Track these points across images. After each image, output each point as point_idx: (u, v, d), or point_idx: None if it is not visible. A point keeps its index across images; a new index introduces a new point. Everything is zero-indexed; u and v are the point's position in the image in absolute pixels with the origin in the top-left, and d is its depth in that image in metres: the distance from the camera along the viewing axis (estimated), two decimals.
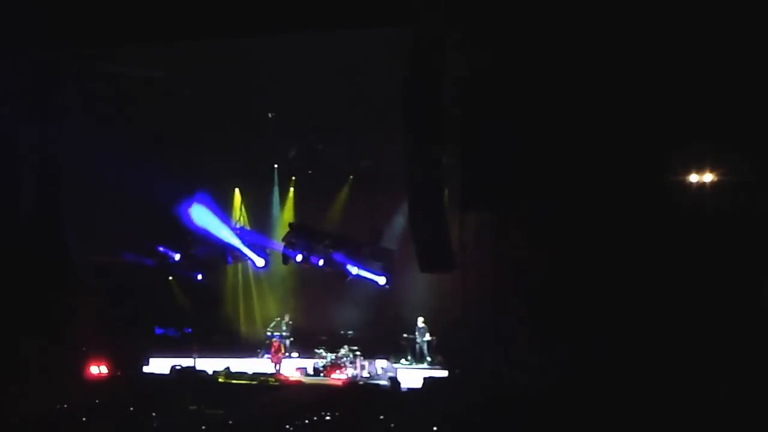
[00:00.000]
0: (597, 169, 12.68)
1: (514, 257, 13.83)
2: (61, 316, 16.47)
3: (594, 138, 12.64)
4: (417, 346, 20.25)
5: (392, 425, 12.23)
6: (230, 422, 12.83)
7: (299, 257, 21.06)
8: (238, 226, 22.69)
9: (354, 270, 20.96)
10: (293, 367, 19.73)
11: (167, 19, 14.37)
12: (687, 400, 11.40)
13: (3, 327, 15.38)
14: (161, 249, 21.66)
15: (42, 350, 15.61)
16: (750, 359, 11.63)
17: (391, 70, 14.80)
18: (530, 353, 13.06)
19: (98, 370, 17.83)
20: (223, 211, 21.95)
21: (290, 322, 21.25)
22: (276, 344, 20.09)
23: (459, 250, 14.83)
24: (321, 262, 21.03)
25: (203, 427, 12.51)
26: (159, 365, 19.27)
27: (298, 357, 20.75)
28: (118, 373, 17.93)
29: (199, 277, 22.23)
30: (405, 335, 20.37)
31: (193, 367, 18.99)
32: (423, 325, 20.20)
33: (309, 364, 19.62)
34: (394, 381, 16.59)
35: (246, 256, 22.18)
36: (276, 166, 22.77)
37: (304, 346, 20.82)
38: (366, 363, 18.94)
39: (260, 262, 22.19)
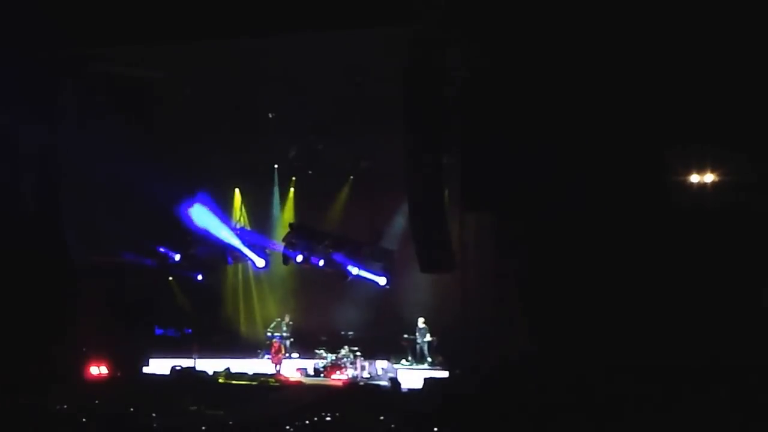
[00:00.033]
0: (597, 169, 12.69)
1: (514, 257, 13.84)
2: (61, 316, 16.46)
3: (594, 138, 12.64)
4: (417, 346, 20.22)
5: (392, 426, 12.20)
6: (230, 423, 12.79)
7: (299, 257, 21.03)
8: (238, 226, 22.65)
9: (354, 270, 20.93)
10: (293, 368, 19.72)
11: (167, 19, 14.38)
12: (687, 400, 11.38)
13: (3, 327, 15.37)
14: (161, 249, 21.62)
15: (42, 350, 15.60)
16: (750, 359, 11.62)
17: (391, 70, 14.82)
18: (530, 353, 13.06)
19: (98, 370, 17.83)
20: (224, 211, 21.90)
21: (290, 323, 21.23)
22: (276, 345, 20.07)
23: (459, 250, 14.85)
24: (321, 263, 21.00)
25: (203, 428, 12.46)
26: (159, 366, 19.25)
27: (299, 357, 20.72)
28: (118, 374, 17.93)
29: (200, 277, 22.19)
30: (405, 336, 20.34)
31: (193, 367, 18.98)
32: (423, 325, 20.18)
33: (309, 364, 19.61)
34: (394, 381, 16.57)
35: (246, 256, 22.14)
36: (276, 166, 22.73)
37: (305, 346, 20.79)
38: (366, 363, 18.92)
39: (260, 262, 22.16)
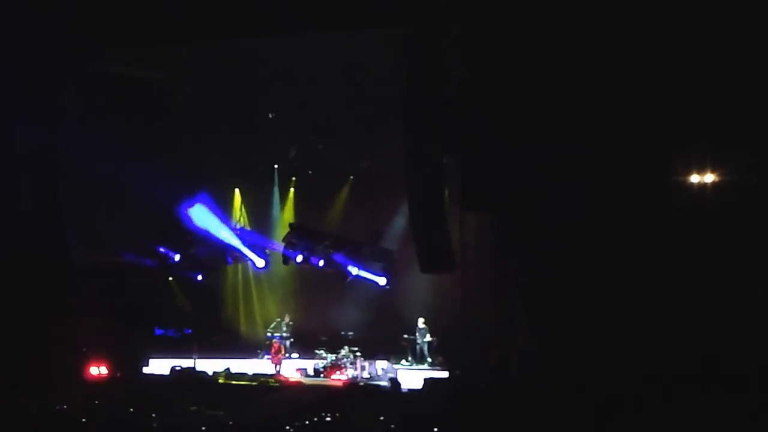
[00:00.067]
0: (598, 169, 12.67)
1: (514, 257, 13.82)
2: (61, 316, 16.45)
3: (595, 138, 12.63)
4: (417, 346, 20.22)
5: (392, 426, 12.20)
6: (230, 423, 12.79)
7: (299, 258, 21.03)
8: (238, 226, 22.66)
9: (354, 270, 20.93)
10: (293, 368, 19.72)
11: (167, 19, 14.37)
12: (688, 400, 11.38)
13: (3, 327, 15.36)
14: (161, 249, 21.63)
15: (42, 351, 15.59)
16: (750, 359, 11.61)
17: (391, 70, 14.82)
18: (531, 353, 13.05)
19: (98, 370, 17.83)
20: (223, 211, 21.91)
21: (290, 323, 21.23)
22: (276, 345, 20.07)
23: (459, 250, 14.83)
24: (321, 263, 21.00)
25: (203, 428, 12.46)
26: (159, 366, 19.26)
27: (299, 358, 20.72)
28: (118, 374, 17.93)
29: (199, 277, 22.20)
30: (405, 336, 20.34)
31: (193, 367, 18.99)
32: (423, 325, 20.18)
33: (309, 364, 19.61)
34: (394, 382, 16.57)
35: (246, 256, 22.14)
36: (276, 166, 22.73)
37: (305, 346, 20.79)
38: (366, 364, 18.92)
39: (260, 262, 22.16)
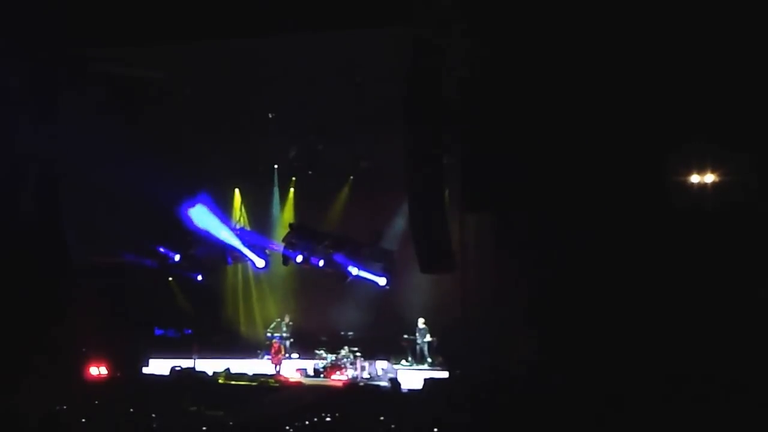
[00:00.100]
0: (598, 169, 12.66)
1: (514, 258, 13.81)
2: (61, 316, 16.44)
3: (595, 138, 12.62)
4: (417, 347, 20.21)
5: (392, 426, 12.19)
6: (230, 423, 12.79)
7: (299, 258, 21.02)
8: (238, 226, 22.64)
9: (354, 271, 20.92)
10: (293, 368, 19.70)
11: (167, 19, 14.37)
12: (688, 400, 11.37)
13: (3, 328, 15.34)
14: (161, 250, 21.62)
15: (42, 351, 15.58)
16: (751, 359, 11.60)
17: (391, 70, 14.82)
18: (531, 354, 13.04)
19: (98, 371, 17.83)
20: (223, 211, 21.90)
21: (290, 323, 21.21)
22: (276, 345, 20.06)
23: (459, 250, 14.83)
24: (321, 263, 20.98)
25: (203, 429, 12.46)
26: (159, 366, 19.25)
27: (299, 358, 20.71)
28: (118, 374, 17.91)
29: (199, 277, 22.17)
30: (405, 336, 20.33)
31: (193, 368, 18.98)
32: (423, 326, 20.17)
33: (309, 365, 19.60)
34: (394, 382, 16.56)
35: (246, 256, 22.13)
36: (276, 166, 22.72)
37: (305, 347, 20.78)
38: (366, 364, 18.91)
39: (260, 262, 22.14)
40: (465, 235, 15.07)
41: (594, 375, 12.22)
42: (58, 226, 16.91)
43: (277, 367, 19.67)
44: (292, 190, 22.80)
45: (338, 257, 21.01)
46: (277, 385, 17.80)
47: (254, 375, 18.47)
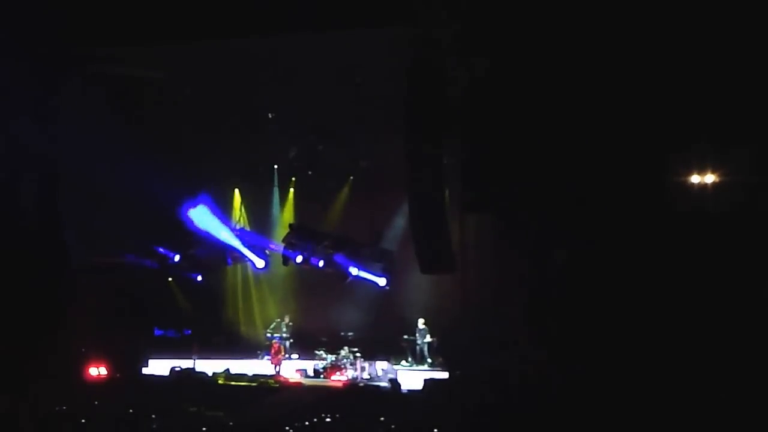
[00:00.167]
0: (598, 169, 12.65)
1: (514, 258, 13.80)
2: (61, 317, 16.43)
3: (595, 138, 12.61)
4: (417, 347, 20.19)
5: (393, 427, 12.19)
6: (230, 424, 12.79)
7: (299, 258, 21.00)
8: (238, 226, 22.62)
9: (354, 271, 20.90)
10: (293, 369, 19.69)
11: (167, 19, 14.36)
12: (689, 400, 11.36)
13: (3, 328, 15.33)
14: (161, 250, 21.60)
15: (41, 351, 15.57)
16: (751, 359, 11.58)
17: (391, 70, 14.80)
18: (531, 354, 13.03)
19: (97, 371, 17.82)
20: (223, 211, 21.88)
21: (290, 324, 21.20)
22: (276, 346, 20.05)
23: (459, 251, 14.82)
24: (321, 263, 20.96)
25: (203, 429, 12.46)
26: (158, 367, 19.24)
27: (298, 358, 20.69)
28: (118, 375, 17.90)
29: (199, 278, 22.16)
30: (405, 337, 20.31)
31: (193, 368, 18.97)
32: (423, 326, 20.15)
33: (309, 365, 19.58)
34: (394, 382, 16.55)
35: (246, 257, 22.11)
36: (276, 166, 22.71)
37: (304, 347, 20.77)
38: (366, 364, 18.90)
39: (260, 263, 22.12)
40: (465, 235, 15.05)
41: (594, 375, 12.20)
42: (58, 227, 16.89)
43: (277, 367, 19.65)
44: (292, 190, 22.79)
45: (338, 257, 20.99)
46: (277, 385, 17.78)
47: (254, 375, 18.46)
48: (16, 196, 16.40)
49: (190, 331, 22.12)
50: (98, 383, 17.45)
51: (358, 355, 19.27)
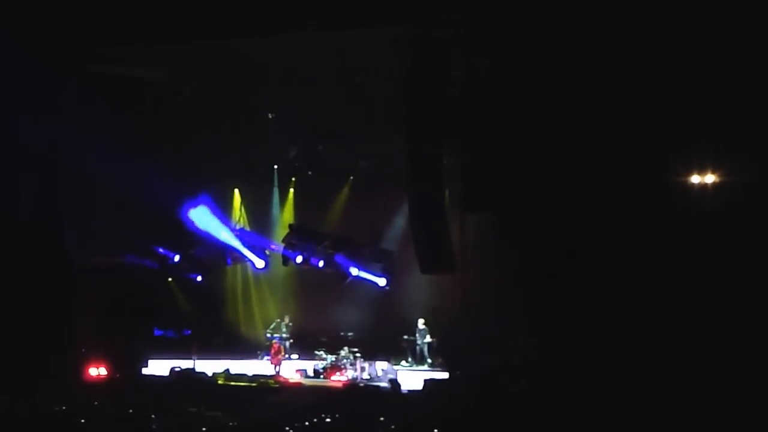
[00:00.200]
0: (598, 169, 12.64)
1: (514, 258, 13.80)
2: (60, 317, 16.42)
3: (595, 138, 12.60)
4: (417, 347, 20.18)
5: (393, 427, 12.17)
6: (230, 424, 12.77)
7: (299, 258, 21.00)
8: (237, 227, 22.62)
9: (354, 271, 20.90)
10: (293, 369, 19.68)
11: (167, 19, 14.36)
12: (689, 400, 11.35)
13: (2, 328, 15.33)
14: (161, 250, 21.60)
15: (41, 351, 15.56)
16: (752, 359, 11.58)
17: (391, 70, 14.80)
18: (531, 354, 13.03)
19: (97, 371, 17.81)
20: (223, 212, 21.88)
21: (290, 324, 21.20)
22: (276, 346, 20.04)
23: (459, 251, 14.82)
24: (321, 264, 20.96)
25: (203, 429, 12.45)
26: (158, 367, 19.22)
27: (298, 359, 20.69)
28: (117, 375, 17.89)
29: (199, 278, 22.15)
30: (405, 337, 20.31)
31: (193, 368, 18.97)
32: (423, 326, 20.14)
33: (309, 365, 19.57)
34: (394, 383, 16.52)
35: (246, 257, 22.11)
36: (276, 166, 22.71)
37: (304, 347, 20.77)
38: (366, 365, 18.89)
39: (260, 263, 22.11)
40: (465, 236, 15.07)
41: (594, 375, 12.19)
42: (58, 227, 16.88)
43: (277, 367, 19.65)
44: (291, 190, 22.78)
45: (338, 258, 20.99)
46: (277, 385, 17.78)
47: (254, 376, 18.46)
48: (16, 196, 16.38)
49: (189, 332, 22.11)
50: (98, 383, 17.44)
51: (358, 355, 19.27)
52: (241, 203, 23.11)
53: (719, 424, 10.97)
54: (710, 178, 12.72)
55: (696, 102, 12.14)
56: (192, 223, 20.67)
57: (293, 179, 22.63)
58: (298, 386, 18.08)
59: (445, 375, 16.88)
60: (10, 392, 13.68)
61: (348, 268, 20.89)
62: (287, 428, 12.15)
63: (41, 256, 16.16)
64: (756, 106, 12.04)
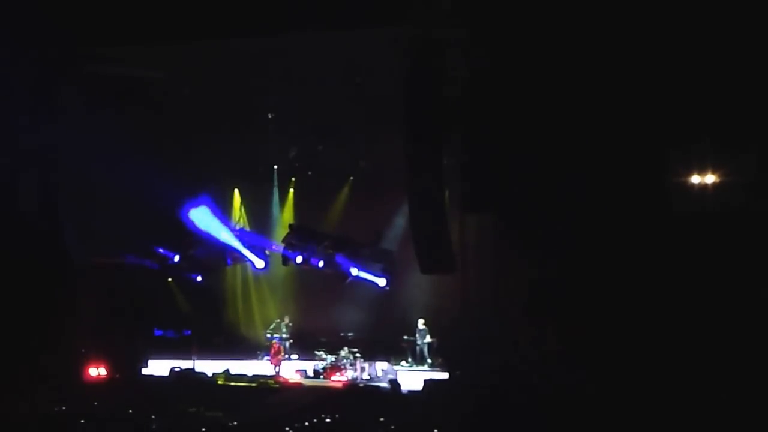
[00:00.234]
0: (598, 169, 12.64)
1: (514, 258, 13.80)
2: (60, 317, 16.42)
3: (596, 138, 12.60)
4: (417, 347, 20.18)
5: (392, 427, 12.17)
6: (230, 424, 12.77)
7: (299, 258, 20.98)
8: (237, 227, 22.61)
9: (354, 271, 20.89)
10: (293, 369, 19.68)
11: (167, 19, 14.35)
12: (689, 400, 11.35)
13: (2, 329, 15.32)
14: (161, 250, 21.59)
15: (42, 352, 15.56)
16: (752, 359, 11.57)
17: (391, 70, 14.79)
18: (531, 354, 13.02)
19: (97, 372, 17.81)
20: (223, 212, 21.87)
21: (290, 324, 21.19)
22: (276, 346, 20.04)
23: (459, 251, 14.81)
24: (321, 264, 20.95)
25: (202, 430, 12.45)
26: (158, 367, 19.22)
27: (298, 359, 20.68)
28: (117, 375, 17.89)
29: (199, 278, 22.14)
30: (405, 337, 20.30)
31: (192, 369, 18.96)
32: (423, 326, 20.14)
33: (309, 366, 19.57)
34: (394, 383, 16.52)
35: (245, 257, 22.09)
36: (276, 166, 22.71)
37: (304, 348, 20.76)
38: (366, 365, 18.88)
39: (260, 263, 22.10)
40: (465, 236, 15.05)
41: (594, 375, 12.19)
42: (58, 227, 16.88)
43: (277, 368, 19.64)
44: (291, 190, 22.78)
45: (338, 258, 20.98)
46: (277, 386, 17.78)
47: (254, 376, 18.45)
48: (16, 196, 16.38)
49: (189, 332, 22.08)
50: (98, 383, 17.44)
51: (358, 355, 19.26)
52: (241, 203, 23.10)
53: (719, 424, 10.97)
54: (710, 178, 12.71)
55: (696, 102, 12.14)
56: (192, 223, 20.66)
57: (293, 179, 22.63)
58: (298, 386, 18.07)
59: (445, 375, 16.87)
60: (10, 392, 13.68)
61: (348, 269, 20.87)
62: (287, 428, 12.15)
63: (41, 256, 16.15)
64: (756, 106, 12.03)
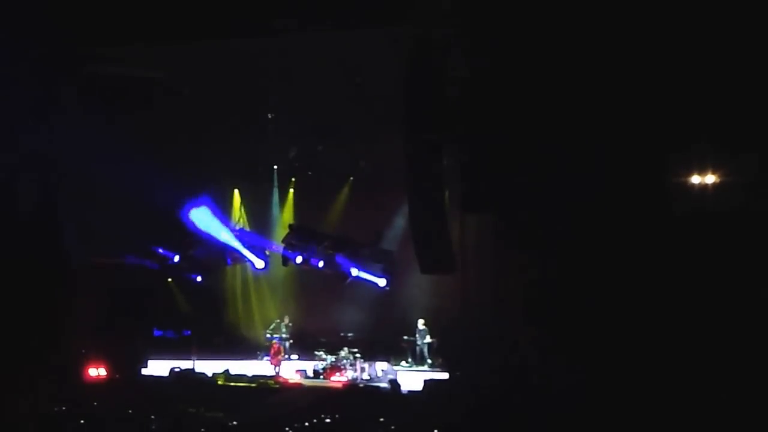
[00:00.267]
0: (598, 169, 12.63)
1: (514, 258, 13.79)
2: (60, 318, 16.41)
3: (595, 139, 12.59)
4: (417, 348, 20.18)
5: (392, 428, 12.17)
6: (230, 425, 12.77)
7: (299, 259, 21.00)
8: (237, 227, 22.62)
9: (354, 272, 20.90)
10: (293, 370, 19.68)
11: (167, 19, 14.34)
12: (689, 401, 11.34)
13: (2, 329, 15.32)
14: (160, 251, 21.59)
15: (41, 352, 15.55)
16: (752, 359, 11.57)
17: (391, 71, 14.78)
18: (531, 354, 13.02)
19: (97, 372, 17.81)
20: (223, 212, 21.88)
21: (290, 324, 21.19)
22: (276, 346, 20.04)
23: (459, 251, 14.80)
24: (321, 264, 20.97)
25: (202, 430, 12.45)
26: (158, 367, 19.22)
27: (298, 359, 20.69)
28: (117, 376, 17.89)
29: (199, 278, 22.16)
30: (405, 337, 20.31)
31: (192, 369, 18.96)
32: (423, 327, 20.14)
33: (309, 366, 19.57)
34: (394, 383, 16.53)
35: (245, 257, 22.11)
36: (276, 167, 22.71)
37: (304, 348, 20.77)
38: (366, 365, 18.89)
39: (260, 263, 22.12)
40: (465, 236, 15.05)
41: (594, 375, 12.18)
42: (58, 227, 16.87)
43: (277, 368, 19.64)
44: (291, 190, 22.79)
45: (338, 258, 20.99)
46: (277, 386, 17.78)
47: (254, 376, 18.45)
48: (15, 197, 16.37)
49: (189, 332, 22.09)
50: (98, 384, 17.44)
51: (357, 355, 19.26)
52: (241, 203, 23.11)
53: (719, 424, 10.96)
54: (710, 179, 12.70)
55: (696, 102, 12.12)
56: (192, 223, 20.67)
57: (293, 179, 22.64)
58: (298, 387, 18.08)
59: (445, 375, 16.88)
60: (10, 392, 13.67)
61: (348, 269, 20.88)
62: (287, 429, 12.15)
63: (41, 256, 16.15)
64: (756, 107, 12.02)
